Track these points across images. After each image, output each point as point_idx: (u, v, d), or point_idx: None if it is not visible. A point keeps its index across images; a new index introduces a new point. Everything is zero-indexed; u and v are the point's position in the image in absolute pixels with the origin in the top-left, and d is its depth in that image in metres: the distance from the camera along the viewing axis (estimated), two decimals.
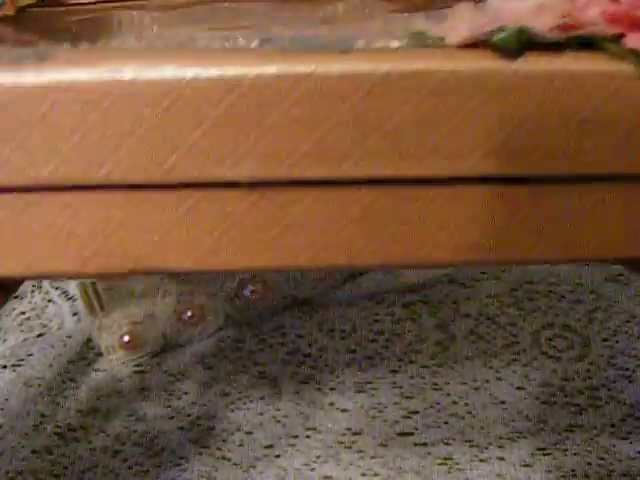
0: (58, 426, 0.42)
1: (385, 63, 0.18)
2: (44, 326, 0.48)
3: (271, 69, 0.18)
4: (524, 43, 0.18)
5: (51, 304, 0.49)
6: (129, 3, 0.26)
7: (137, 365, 0.46)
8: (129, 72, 0.18)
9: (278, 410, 0.43)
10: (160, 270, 0.20)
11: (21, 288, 0.50)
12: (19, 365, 0.45)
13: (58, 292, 0.49)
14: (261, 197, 0.19)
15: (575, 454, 0.40)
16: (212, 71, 0.18)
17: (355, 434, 0.41)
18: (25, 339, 0.47)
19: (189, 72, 0.18)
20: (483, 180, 0.19)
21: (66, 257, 0.20)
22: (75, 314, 0.48)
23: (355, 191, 0.19)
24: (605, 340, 0.45)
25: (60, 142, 0.18)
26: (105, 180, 0.19)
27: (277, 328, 0.47)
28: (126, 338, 0.45)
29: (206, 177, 0.19)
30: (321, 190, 0.19)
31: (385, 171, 0.19)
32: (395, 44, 0.19)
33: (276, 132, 0.18)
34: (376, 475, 0.39)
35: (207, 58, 0.18)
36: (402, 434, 0.41)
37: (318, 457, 0.40)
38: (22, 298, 0.49)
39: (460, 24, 0.19)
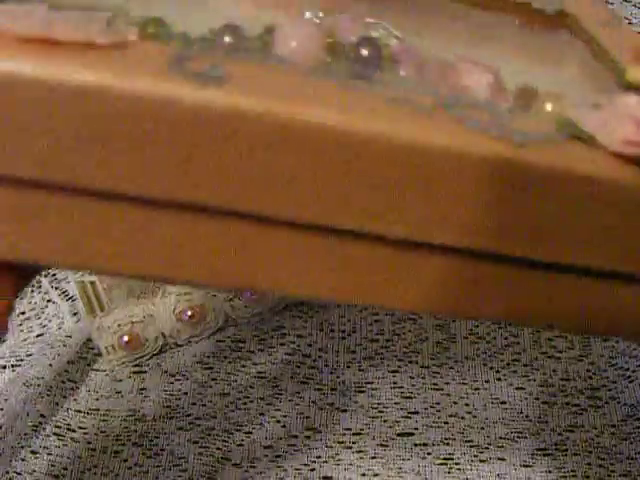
0: (57, 426, 0.42)
1: (554, 162, 0.18)
2: (43, 326, 0.48)
3: (453, 146, 0.18)
4: None
5: (50, 304, 0.49)
6: None
7: (136, 365, 0.46)
8: (317, 116, 0.17)
9: (278, 410, 0.43)
10: (272, 290, 0.20)
11: None
12: (18, 365, 0.45)
13: (57, 292, 0.49)
14: (394, 254, 0.20)
15: (575, 454, 0.40)
16: (400, 135, 0.18)
17: (355, 434, 0.41)
18: (24, 339, 0.47)
19: (381, 130, 0.18)
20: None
21: (197, 268, 0.19)
22: (75, 314, 0.48)
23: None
24: (605, 340, 0.45)
25: (230, 170, 0.18)
26: (271, 215, 0.18)
27: (277, 328, 0.47)
28: (126, 338, 0.45)
29: (363, 229, 0.19)
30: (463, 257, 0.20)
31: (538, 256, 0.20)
32: (552, 136, 0.20)
33: (441, 201, 0.19)
34: (376, 475, 0.39)
35: (395, 118, 0.18)
36: (402, 434, 0.41)
37: (318, 457, 0.40)
38: (22, 298, 0.49)
39: (612, 125, 0.19)
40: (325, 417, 0.42)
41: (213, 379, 0.45)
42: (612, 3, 0.49)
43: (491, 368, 0.44)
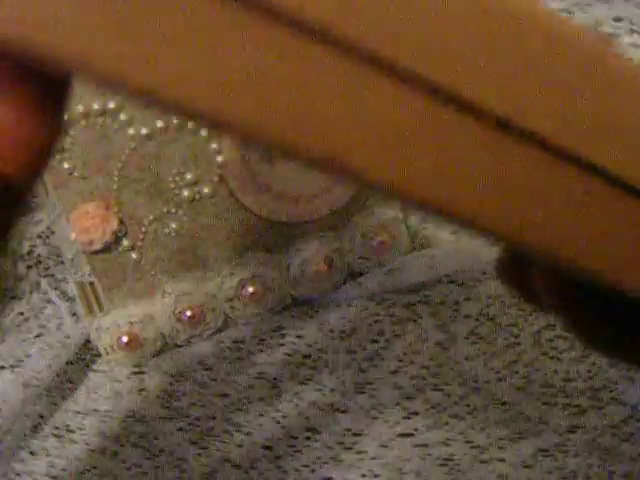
0: (56, 427, 0.42)
1: None
2: (42, 327, 0.48)
3: None
4: None
5: (49, 304, 0.49)
6: None
7: (136, 366, 0.46)
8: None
9: (278, 411, 0.43)
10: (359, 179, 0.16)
11: (20, 288, 0.50)
12: (17, 366, 0.45)
13: (56, 292, 0.49)
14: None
15: (576, 455, 0.39)
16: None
17: (355, 435, 0.41)
18: (23, 340, 0.47)
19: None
20: None
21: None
22: (74, 314, 0.48)
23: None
24: None
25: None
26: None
27: (277, 328, 0.47)
28: (125, 339, 0.45)
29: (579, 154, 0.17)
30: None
31: None
32: None
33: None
34: (376, 476, 0.39)
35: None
36: (402, 435, 0.41)
37: (318, 458, 0.40)
38: (20, 299, 0.49)
39: None
40: (325, 417, 0.42)
41: (213, 379, 0.45)
42: (612, 2, 0.49)
43: (491, 368, 0.44)
